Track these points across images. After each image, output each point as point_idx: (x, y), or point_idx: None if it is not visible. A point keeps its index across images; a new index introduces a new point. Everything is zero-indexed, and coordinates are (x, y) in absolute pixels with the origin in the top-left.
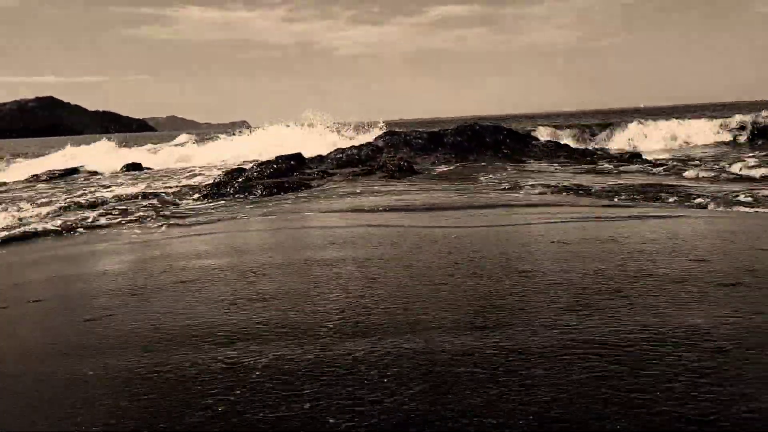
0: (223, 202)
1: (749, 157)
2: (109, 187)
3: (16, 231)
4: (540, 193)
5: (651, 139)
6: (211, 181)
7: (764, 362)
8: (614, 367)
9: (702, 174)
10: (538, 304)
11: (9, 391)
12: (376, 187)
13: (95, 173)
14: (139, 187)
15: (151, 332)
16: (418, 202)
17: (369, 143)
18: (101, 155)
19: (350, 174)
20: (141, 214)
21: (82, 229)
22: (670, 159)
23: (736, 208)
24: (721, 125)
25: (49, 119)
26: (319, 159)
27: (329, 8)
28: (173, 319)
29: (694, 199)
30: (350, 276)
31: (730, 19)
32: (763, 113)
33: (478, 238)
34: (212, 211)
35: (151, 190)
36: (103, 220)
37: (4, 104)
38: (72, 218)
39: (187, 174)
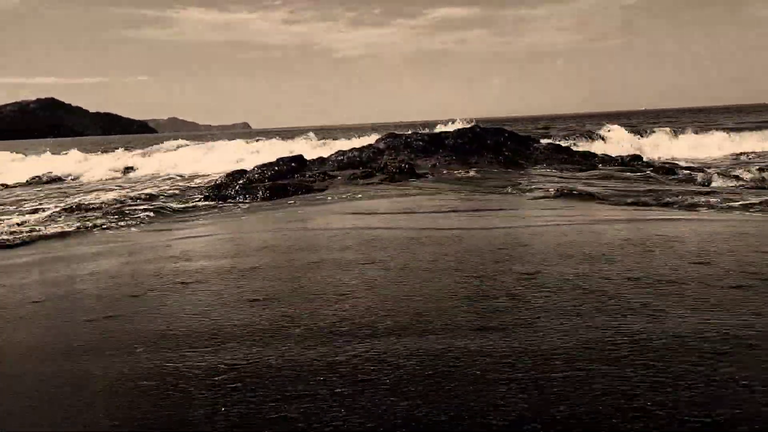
0: (223, 204)
1: None
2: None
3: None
4: (538, 198)
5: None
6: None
7: None
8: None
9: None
10: (543, 305)
11: (10, 391)
12: (376, 190)
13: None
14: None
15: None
16: (419, 204)
17: (370, 145)
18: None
19: (351, 176)
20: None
21: (97, 231)
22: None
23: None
24: None
25: (49, 120)
26: (320, 161)
27: (329, 10)
28: (188, 319)
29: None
30: (356, 278)
31: (729, 21)
32: None
33: (483, 240)
34: (207, 221)
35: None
36: (101, 222)
37: (5, 106)
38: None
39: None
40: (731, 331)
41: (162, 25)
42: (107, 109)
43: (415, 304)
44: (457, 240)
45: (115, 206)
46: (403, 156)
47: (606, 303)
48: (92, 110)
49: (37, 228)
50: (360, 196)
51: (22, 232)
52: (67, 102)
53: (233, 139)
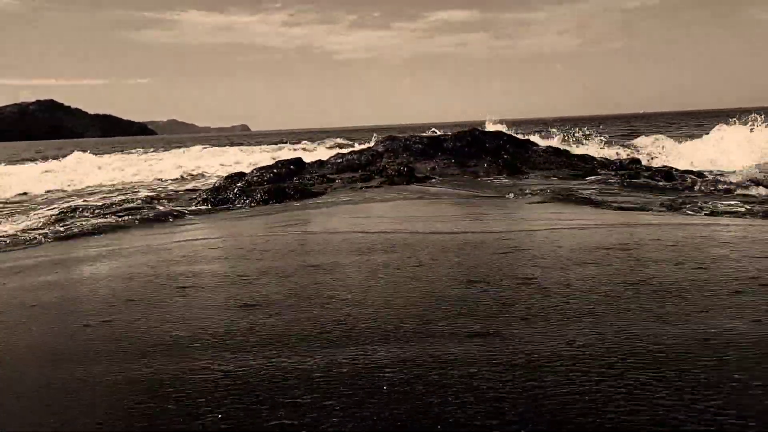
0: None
1: None
2: None
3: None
4: (537, 202)
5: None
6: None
7: None
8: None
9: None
10: (541, 309)
11: (7, 395)
12: (375, 194)
13: None
14: None
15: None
16: (418, 208)
17: (369, 148)
18: None
19: (350, 179)
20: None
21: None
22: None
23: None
24: None
25: (49, 122)
26: (319, 164)
27: (330, 13)
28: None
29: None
30: (353, 282)
31: (729, 25)
32: None
33: (481, 244)
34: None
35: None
36: (95, 222)
37: (5, 107)
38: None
39: None
40: (733, 337)
41: (163, 27)
42: (107, 111)
43: (414, 309)
44: (456, 244)
45: (111, 209)
46: (402, 159)
47: (606, 307)
48: (92, 112)
49: (32, 231)
50: (359, 199)
51: (18, 236)
52: (66, 104)
53: (231, 140)
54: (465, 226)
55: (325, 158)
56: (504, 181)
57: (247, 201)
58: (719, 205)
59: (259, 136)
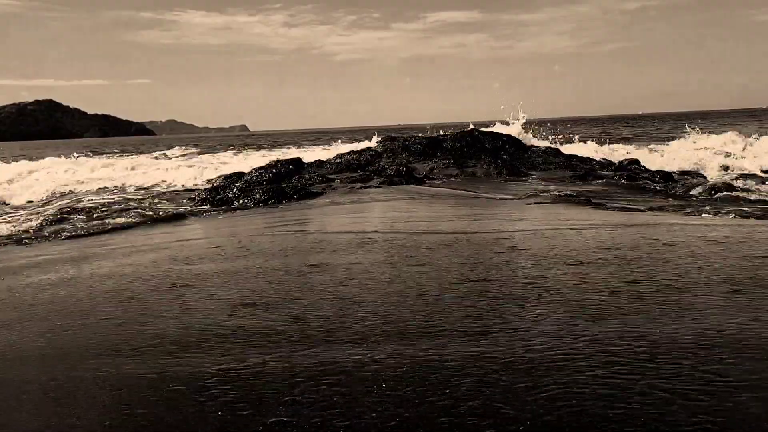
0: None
1: None
2: None
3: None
4: (536, 202)
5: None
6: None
7: None
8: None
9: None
10: (541, 309)
11: (5, 395)
12: (374, 194)
13: None
14: None
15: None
16: (417, 208)
17: (368, 148)
18: None
19: (349, 179)
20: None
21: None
22: None
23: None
24: None
25: (48, 122)
26: (318, 164)
27: (329, 14)
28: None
29: None
30: (352, 282)
31: (728, 27)
32: None
33: (480, 244)
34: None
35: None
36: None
37: (3, 107)
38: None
39: None
40: (731, 335)
41: (162, 27)
42: (106, 112)
43: (413, 309)
44: (454, 244)
45: (110, 209)
46: (401, 159)
47: (605, 307)
48: (91, 112)
49: (34, 231)
50: (358, 199)
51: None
52: (65, 104)
53: (231, 140)
54: (464, 226)
55: (324, 158)
56: (503, 181)
57: (247, 201)
58: (720, 207)
59: (259, 137)
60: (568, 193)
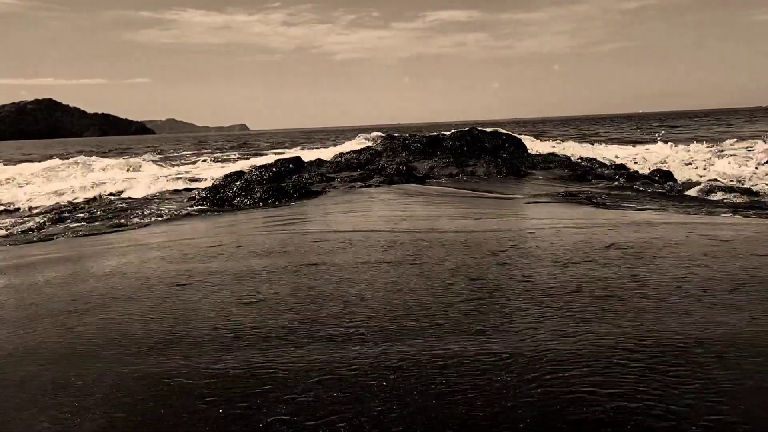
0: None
1: None
2: None
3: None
4: (536, 201)
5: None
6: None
7: None
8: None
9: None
10: (540, 309)
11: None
12: (374, 193)
13: None
14: None
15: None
16: (416, 207)
17: (368, 147)
18: None
19: (349, 178)
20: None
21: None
22: None
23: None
24: None
25: (47, 121)
26: (318, 163)
27: (329, 13)
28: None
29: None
30: (352, 281)
31: (728, 26)
32: None
33: (480, 243)
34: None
35: None
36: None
37: (3, 106)
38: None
39: None
40: (731, 334)
41: (161, 26)
42: (106, 111)
43: (414, 307)
44: (455, 243)
45: (109, 208)
46: (401, 158)
47: (605, 306)
48: (90, 111)
49: (34, 229)
50: (357, 198)
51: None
52: (65, 103)
53: (230, 140)
54: (465, 224)
55: (324, 157)
56: (503, 180)
57: (247, 200)
58: (719, 206)
59: (259, 136)
60: (568, 192)
